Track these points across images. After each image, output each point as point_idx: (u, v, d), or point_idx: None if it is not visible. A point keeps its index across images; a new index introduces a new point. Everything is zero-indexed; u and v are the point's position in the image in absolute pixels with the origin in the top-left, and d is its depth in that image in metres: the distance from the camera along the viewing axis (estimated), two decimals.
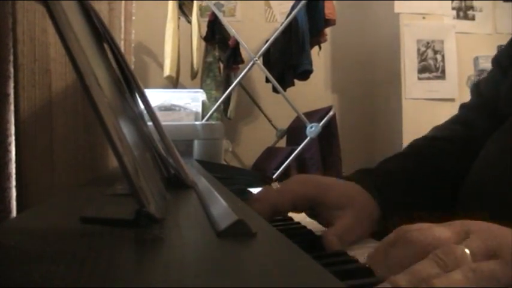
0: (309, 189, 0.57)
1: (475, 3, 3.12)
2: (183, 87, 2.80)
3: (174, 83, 2.37)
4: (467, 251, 0.34)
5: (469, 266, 0.33)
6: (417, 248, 0.36)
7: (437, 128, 0.76)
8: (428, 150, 0.70)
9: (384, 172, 0.64)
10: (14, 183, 0.76)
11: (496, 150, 0.60)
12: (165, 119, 1.75)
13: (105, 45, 0.55)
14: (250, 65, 2.31)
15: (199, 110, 1.91)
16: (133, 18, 1.36)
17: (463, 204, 0.61)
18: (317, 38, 2.62)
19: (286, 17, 2.49)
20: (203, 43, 2.72)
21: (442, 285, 0.32)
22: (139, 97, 0.65)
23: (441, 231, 0.37)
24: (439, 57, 2.93)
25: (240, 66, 2.67)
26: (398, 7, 2.92)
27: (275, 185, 0.60)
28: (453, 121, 0.75)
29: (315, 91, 3.23)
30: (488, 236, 0.35)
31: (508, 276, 0.33)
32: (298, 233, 0.58)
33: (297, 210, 0.60)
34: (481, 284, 0.32)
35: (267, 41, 2.45)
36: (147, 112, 0.65)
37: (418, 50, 2.91)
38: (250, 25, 3.24)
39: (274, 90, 2.51)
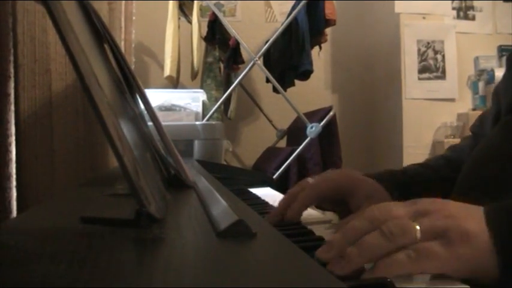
0: (344, 179, 0.64)
1: (475, 3, 3.12)
2: (184, 87, 2.80)
3: (174, 83, 2.37)
4: (417, 227, 0.37)
5: (412, 246, 0.36)
6: (373, 223, 0.39)
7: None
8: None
9: (400, 172, 0.74)
10: (14, 183, 0.76)
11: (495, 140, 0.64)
12: (165, 119, 1.74)
13: (106, 45, 0.55)
14: (250, 65, 2.30)
15: (200, 110, 1.91)
16: (134, 18, 1.36)
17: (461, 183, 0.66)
18: (317, 38, 2.61)
19: (287, 17, 2.48)
20: (203, 43, 2.71)
21: (385, 265, 0.35)
22: (140, 97, 0.65)
23: (397, 209, 0.40)
24: (439, 57, 2.93)
25: (241, 66, 2.67)
26: (398, 7, 2.91)
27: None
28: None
29: (315, 91, 3.23)
30: (440, 216, 0.38)
31: (450, 257, 0.36)
32: (299, 233, 0.58)
33: (332, 198, 0.64)
34: (423, 263, 0.36)
35: (267, 41, 2.45)
36: (148, 112, 0.65)
37: (419, 50, 2.91)
38: (250, 25, 3.24)
39: (275, 90, 2.51)
